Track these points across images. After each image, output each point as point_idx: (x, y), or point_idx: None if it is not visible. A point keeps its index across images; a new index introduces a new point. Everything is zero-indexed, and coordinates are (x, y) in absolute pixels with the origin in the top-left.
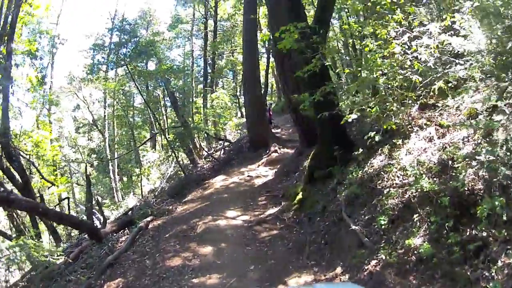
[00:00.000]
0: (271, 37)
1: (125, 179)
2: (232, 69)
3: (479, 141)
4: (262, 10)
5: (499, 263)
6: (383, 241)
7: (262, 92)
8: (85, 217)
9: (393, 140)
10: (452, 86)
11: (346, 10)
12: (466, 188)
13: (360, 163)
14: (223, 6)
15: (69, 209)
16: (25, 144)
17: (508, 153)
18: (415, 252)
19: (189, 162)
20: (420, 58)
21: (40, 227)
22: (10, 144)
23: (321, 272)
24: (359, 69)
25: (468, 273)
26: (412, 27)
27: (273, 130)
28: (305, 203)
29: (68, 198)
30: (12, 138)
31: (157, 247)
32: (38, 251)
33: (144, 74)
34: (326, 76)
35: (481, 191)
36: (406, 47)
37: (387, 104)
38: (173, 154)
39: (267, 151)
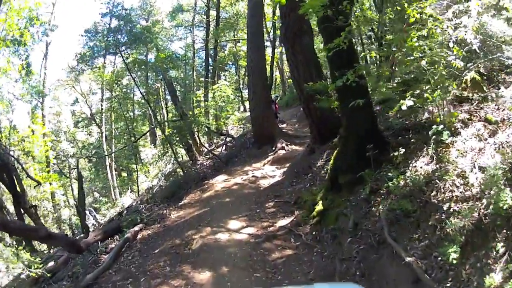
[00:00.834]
0: (281, 17)
1: (125, 175)
2: (235, 62)
3: None
4: None
5: None
6: (449, 279)
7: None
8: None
9: (440, 138)
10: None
11: None
12: None
13: (398, 166)
14: None
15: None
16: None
17: None
18: None
19: (188, 158)
20: (462, 41)
21: None
22: None
23: None
24: (394, 49)
25: None
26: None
27: (279, 125)
28: (327, 215)
29: (35, 206)
30: None
31: (143, 267)
32: (16, 261)
33: (140, 63)
34: (355, 56)
35: None
36: (449, 25)
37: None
38: (171, 150)
39: (273, 148)
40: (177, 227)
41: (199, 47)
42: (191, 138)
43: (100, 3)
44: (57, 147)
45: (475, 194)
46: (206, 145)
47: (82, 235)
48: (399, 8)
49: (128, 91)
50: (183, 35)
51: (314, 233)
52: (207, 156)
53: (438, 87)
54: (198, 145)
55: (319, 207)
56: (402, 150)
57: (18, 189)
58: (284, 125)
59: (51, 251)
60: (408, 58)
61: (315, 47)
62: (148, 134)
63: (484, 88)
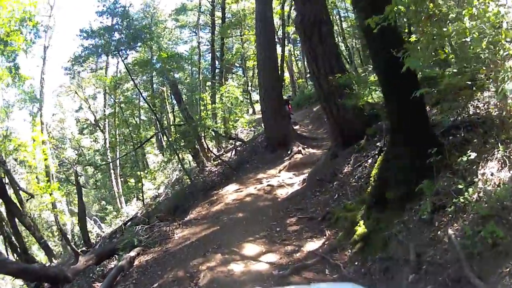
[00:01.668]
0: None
1: (132, 182)
2: (242, 64)
3: None
4: None
5: None
6: None
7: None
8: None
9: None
10: None
11: None
12: None
13: (462, 174)
14: None
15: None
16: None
17: None
18: None
19: (196, 165)
20: None
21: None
22: None
23: None
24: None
25: None
26: None
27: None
28: (373, 240)
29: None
30: None
31: None
32: None
33: (141, 64)
34: (400, 35)
35: None
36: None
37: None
38: (176, 156)
39: (289, 152)
40: (180, 252)
41: (204, 50)
42: (198, 143)
43: (97, 0)
44: (62, 154)
45: None
46: (215, 150)
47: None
48: None
49: (135, 95)
50: (188, 38)
51: (356, 263)
52: (215, 162)
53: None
54: (206, 150)
55: (361, 228)
56: (472, 154)
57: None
58: (297, 127)
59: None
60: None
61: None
62: (155, 140)
63: None
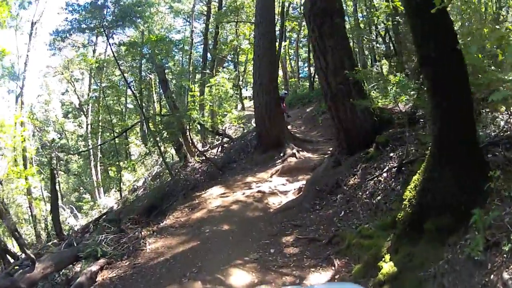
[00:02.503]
0: None
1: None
2: (235, 58)
3: None
4: None
5: None
6: None
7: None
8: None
9: None
10: None
11: None
12: None
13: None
14: None
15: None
16: None
17: None
18: None
19: (178, 159)
20: None
21: None
22: None
23: None
24: None
25: None
26: None
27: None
28: (404, 282)
29: None
30: None
31: None
32: None
33: (128, 45)
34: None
35: None
36: None
37: None
38: (157, 148)
39: (282, 154)
40: (152, 272)
41: (197, 41)
42: (182, 136)
43: None
44: (44, 137)
45: None
46: (200, 145)
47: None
48: None
49: (122, 82)
50: (182, 28)
51: None
52: (199, 159)
53: None
54: (190, 145)
55: (388, 266)
56: None
57: None
58: (289, 127)
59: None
60: None
61: None
62: (139, 129)
63: None
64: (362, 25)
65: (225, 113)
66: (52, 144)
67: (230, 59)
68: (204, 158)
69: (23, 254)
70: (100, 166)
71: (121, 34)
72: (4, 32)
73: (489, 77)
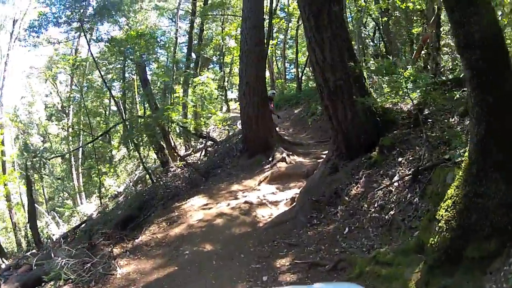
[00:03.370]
0: None
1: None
2: (219, 61)
3: None
4: None
5: None
6: None
7: None
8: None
9: None
10: None
11: None
12: None
13: None
14: None
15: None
16: None
17: None
18: None
19: (160, 164)
20: None
21: None
22: None
23: None
24: None
25: None
26: None
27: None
28: None
29: None
30: None
31: None
32: None
33: (107, 41)
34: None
35: None
36: None
37: None
38: (137, 152)
39: (271, 159)
40: None
41: (182, 42)
42: (164, 139)
43: None
44: (27, 140)
45: None
46: (183, 148)
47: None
48: None
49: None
50: (167, 28)
51: None
52: (181, 163)
53: None
54: (172, 149)
55: None
56: None
57: None
58: (277, 129)
59: None
60: None
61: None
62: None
63: None
64: (350, 26)
65: (210, 114)
66: (31, 151)
67: (215, 60)
68: (186, 163)
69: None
70: (83, 170)
71: (104, 34)
72: None
73: None
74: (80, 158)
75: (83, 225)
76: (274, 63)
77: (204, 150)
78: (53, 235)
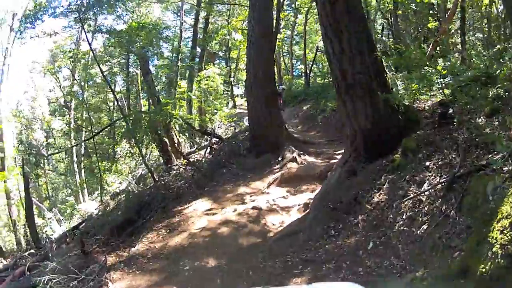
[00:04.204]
0: None
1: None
2: (225, 56)
3: None
4: None
5: None
6: None
7: None
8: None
9: None
10: None
11: None
12: None
13: None
14: None
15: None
16: None
17: None
18: None
19: (163, 162)
20: None
21: None
22: None
23: None
24: None
25: None
26: None
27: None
28: None
29: None
30: None
31: None
32: None
33: (105, 32)
34: None
35: None
36: None
37: None
38: (137, 149)
39: (280, 158)
40: None
41: (186, 37)
42: (167, 135)
43: None
44: (31, 135)
45: None
46: (187, 146)
47: None
48: None
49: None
50: (172, 22)
51: None
52: (185, 162)
53: None
54: (176, 146)
55: None
56: None
57: None
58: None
59: None
60: None
61: None
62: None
63: None
64: None
65: (215, 110)
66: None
67: (221, 55)
68: (188, 163)
69: None
70: (85, 165)
71: (104, 26)
72: None
73: None
74: (83, 153)
75: (83, 224)
76: (282, 59)
77: (209, 147)
78: (53, 233)
